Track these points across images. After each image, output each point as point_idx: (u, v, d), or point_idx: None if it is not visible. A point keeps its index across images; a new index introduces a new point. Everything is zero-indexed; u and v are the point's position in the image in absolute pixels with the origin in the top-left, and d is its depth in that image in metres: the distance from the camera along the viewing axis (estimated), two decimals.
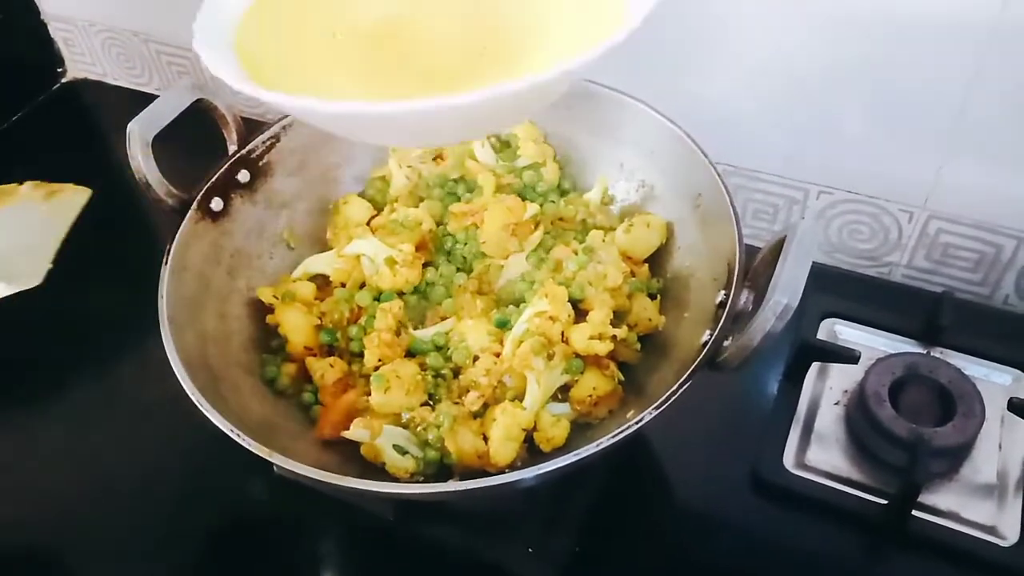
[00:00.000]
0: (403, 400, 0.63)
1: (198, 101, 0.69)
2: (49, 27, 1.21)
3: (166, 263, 0.65)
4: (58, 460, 0.76)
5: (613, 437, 0.52)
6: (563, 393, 0.65)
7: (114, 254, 0.95)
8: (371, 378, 0.63)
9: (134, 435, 0.77)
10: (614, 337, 0.64)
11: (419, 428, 0.62)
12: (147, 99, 0.67)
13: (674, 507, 0.72)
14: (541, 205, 0.75)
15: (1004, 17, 0.67)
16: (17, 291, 0.83)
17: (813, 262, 0.54)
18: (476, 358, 0.65)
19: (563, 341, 0.64)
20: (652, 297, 0.71)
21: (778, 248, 0.55)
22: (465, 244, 0.73)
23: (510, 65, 0.48)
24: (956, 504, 0.67)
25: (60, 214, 0.86)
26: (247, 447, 0.54)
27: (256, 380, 0.68)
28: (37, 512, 0.72)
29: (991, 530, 0.66)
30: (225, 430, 0.55)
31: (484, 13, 0.51)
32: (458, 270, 0.73)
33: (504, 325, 0.66)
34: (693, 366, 0.55)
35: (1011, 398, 0.70)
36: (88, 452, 0.76)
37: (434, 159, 0.80)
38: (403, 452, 0.62)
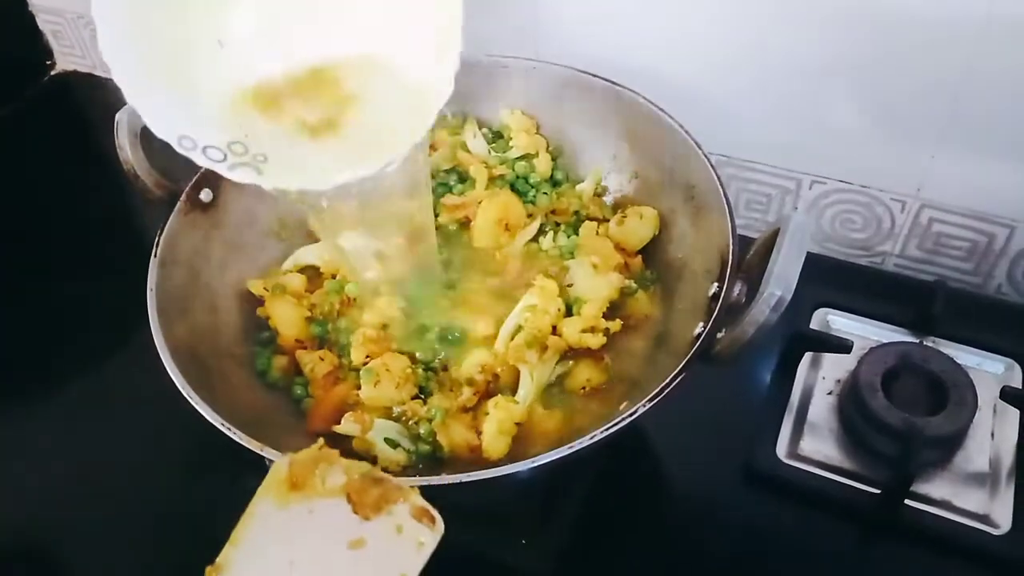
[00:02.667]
0: (393, 394, 0.62)
1: None
2: (37, 19, 1.20)
3: (155, 255, 0.64)
4: (49, 456, 0.76)
5: (606, 429, 0.52)
6: (557, 385, 0.65)
7: (103, 247, 0.94)
8: (361, 372, 0.63)
9: (125, 430, 0.76)
10: (607, 330, 0.64)
11: (411, 422, 0.62)
12: None
13: (668, 498, 0.72)
14: (533, 196, 0.74)
15: (993, 12, 0.67)
16: None
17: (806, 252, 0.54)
18: (468, 353, 0.65)
19: (556, 334, 0.64)
20: (645, 289, 0.70)
21: (771, 240, 0.55)
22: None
23: None
24: (949, 493, 0.67)
25: None
26: (238, 441, 0.54)
27: (247, 373, 0.67)
28: (28, 508, 0.72)
29: (983, 519, 0.66)
30: (216, 424, 0.54)
31: None
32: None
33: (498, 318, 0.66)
34: (686, 359, 0.55)
35: (1003, 387, 0.71)
36: (79, 447, 0.76)
37: None
38: (395, 446, 0.61)
